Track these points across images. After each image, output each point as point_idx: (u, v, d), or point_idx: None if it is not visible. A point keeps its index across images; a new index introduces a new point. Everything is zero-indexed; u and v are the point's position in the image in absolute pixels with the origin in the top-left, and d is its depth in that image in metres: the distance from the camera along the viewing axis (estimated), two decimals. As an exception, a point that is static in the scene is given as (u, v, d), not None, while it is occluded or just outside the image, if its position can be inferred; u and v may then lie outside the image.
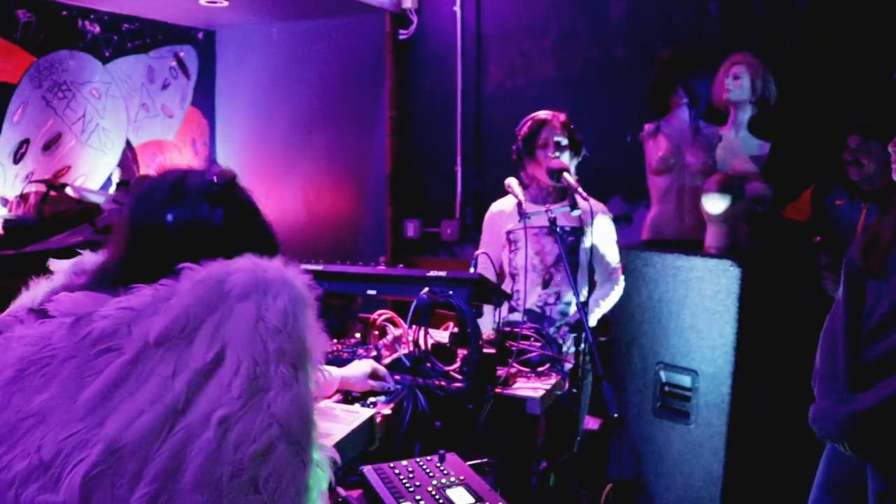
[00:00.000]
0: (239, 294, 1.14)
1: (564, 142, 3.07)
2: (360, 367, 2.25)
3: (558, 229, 2.75)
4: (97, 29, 4.95)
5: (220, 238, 1.30)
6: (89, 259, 1.41)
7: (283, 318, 1.14)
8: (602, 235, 3.12)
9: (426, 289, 2.37)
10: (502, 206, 3.24)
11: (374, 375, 2.25)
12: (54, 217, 4.14)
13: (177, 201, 1.30)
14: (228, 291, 1.14)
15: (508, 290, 3.04)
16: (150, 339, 1.09)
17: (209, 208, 1.31)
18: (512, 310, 3.10)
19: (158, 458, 1.02)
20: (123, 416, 1.05)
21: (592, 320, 3.13)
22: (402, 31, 5.10)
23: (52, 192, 4.27)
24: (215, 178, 1.35)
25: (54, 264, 1.43)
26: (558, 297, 3.09)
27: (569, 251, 3.00)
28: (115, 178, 5.10)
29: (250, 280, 1.16)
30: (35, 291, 1.35)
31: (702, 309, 3.20)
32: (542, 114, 3.12)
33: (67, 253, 1.46)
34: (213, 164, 1.42)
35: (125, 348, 1.09)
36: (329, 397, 2.19)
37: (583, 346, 2.49)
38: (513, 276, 3.15)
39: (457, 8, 4.90)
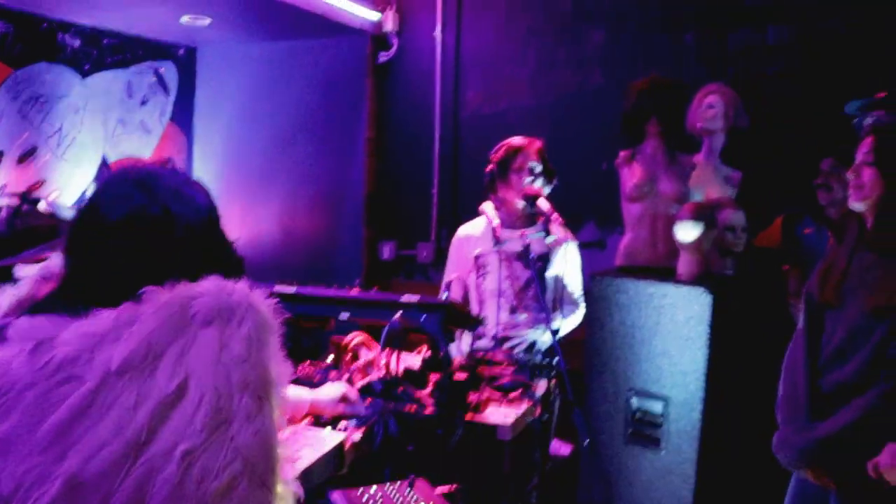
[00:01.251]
0: (203, 320, 1.12)
1: (539, 168, 3.09)
2: (331, 391, 2.25)
3: (532, 255, 2.77)
4: (77, 43, 4.93)
5: (178, 244, 1.26)
6: (56, 263, 1.38)
7: (247, 345, 1.12)
8: (569, 262, 3.14)
9: (399, 313, 2.37)
10: (470, 231, 3.24)
11: (345, 399, 2.25)
12: (26, 231, 4.09)
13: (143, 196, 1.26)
14: (192, 316, 1.12)
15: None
16: (112, 367, 1.07)
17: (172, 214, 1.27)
18: (478, 337, 3.10)
19: (121, 493, 1.00)
20: (85, 449, 1.02)
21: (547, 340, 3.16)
22: (382, 54, 5.13)
23: (25, 206, 4.23)
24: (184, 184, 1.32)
25: (21, 270, 1.41)
26: (525, 322, 3.10)
27: (539, 276, 3.01)
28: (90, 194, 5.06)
29: (214, 305, 1.14)
30: (0, 300, 1.32)
31: (674, 335, 3.22)
32: (518, 140, 3.14)
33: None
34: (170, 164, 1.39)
35: (87, 377, 1.07)
36: (299, 420, 2.18)
37: (554, 372, 2.51)
38: (480, 301, 3.16)
39: (437, 33, 4.94)
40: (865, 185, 2.15)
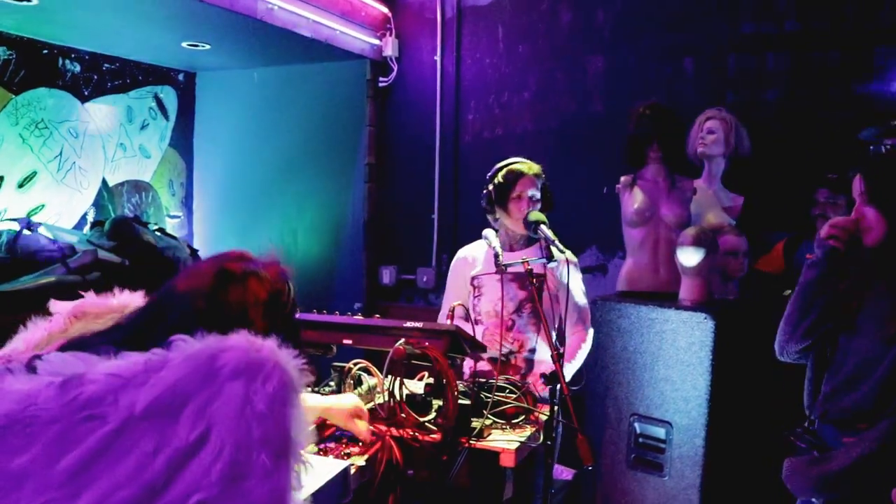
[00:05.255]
0: (230, 373, 1.12)
1: (537, 196, 3.07)
2: (344, 402, 2.23)
3: (535, 280, 2.75)
4: (77, 68, 4.95)
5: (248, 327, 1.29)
6: (90, 302, 1.39)
7: (271, 403, 1.12)
8: (571, 281, 3.06)
9: (402, 340, 2.36)
10: (467, 253, 3.23)
11: (356, 415, 2.23)
12: (26, 256, 4.08)
13: (222, 288, 1.33)
14: (220, 369, 1.12)
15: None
16: (136, 410, 1.07)
17: (251, 302, 1.34)
18: (477, 359, 3.07)
19: None
20: (100, 489, 1.02)
21: (567, 373, 3.12)
22: (381, 79, 5.15)
23: (26, 231, 4.22)
24: (268, 276, 1.40)
25: (55, 306, 1.41)
26: (522, 344, 3.08)
27: (536, 297, 2.94)
28: (90, 218, 5.06)
29: (243, 359, 1.14)
30: (31, 334, 1.32)
31: (676, 361, 3.21)
32: (518, 165, 3.11)
33: (41, 293, 1.45)
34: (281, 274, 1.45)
35: (110, 417, 1.07)
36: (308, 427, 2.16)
37: (556, 397, 2.48)
38: (476, 323, 3.14)
39: (437, 57, 4.96)
40: (874, 228, 2.17)
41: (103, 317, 1.41)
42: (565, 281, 2.94)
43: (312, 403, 2.17)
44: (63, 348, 1.24)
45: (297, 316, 2.60)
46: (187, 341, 1.16)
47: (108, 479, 1.03)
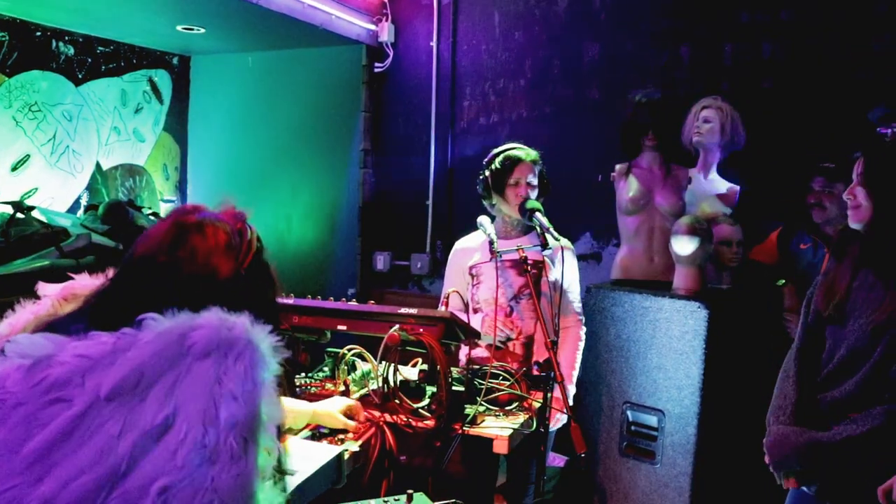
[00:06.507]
0: (200, 351, 1.10)
1: (535, 182, 3.07)
2: (332, 404, 2.24)
3: (530, 268, 2.75)
4: (71, 50, 4.92)
5: (222, 293, 1.26)
6: (80, 284, 1.37)
7: (240, 383, 1.10)
8: (567, 269, 3.07)
9: (396, 326, 2.37)
10: (465, 244, 3.22)
11: (346, 413, 2.24)
12: (20, 240, 4.07)
13: (195, 244, 1.29)
14: (190, 347, 1.10)
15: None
16: (101, 392, 1.05)
17: (223, 259, 1.30)
18: (473, 345, 3.07)
19: None
20: (63, 473, 1.00)
21: (571, 381, 3.14)
22: (377, 64, 5.13)
23: (19, 214, 4.21)
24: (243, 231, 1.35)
25: (43, 289, 1.39)
26: (520, 331, 3.08)
27: (533, 283, 2.95)
28: (84, 202, 5.04)
29: (213, 337, 1.12)
30: (17, 318, 1.31)
31: (669, 349, 3.22)
32: (516, 151, 3.10)
33: (34, 277, 1.43)
34: (237, 216, 1.39)
35: (76, 400, 1.05)
36: (299, 432, 2.17)
37: (550, 384, 2.49)
38: (475, 311, 3.14)
39: (433, 43, 4.95)
40: (862, 207, 2.17)
41: None
42: (560, 268, 2.95)
43: (301, 409, 2.17)
44: (36, 330, 1.22)
45: (293, 300, 2.62)
46: (157, 320, 1.13)
47: (71, 463, 1.01)
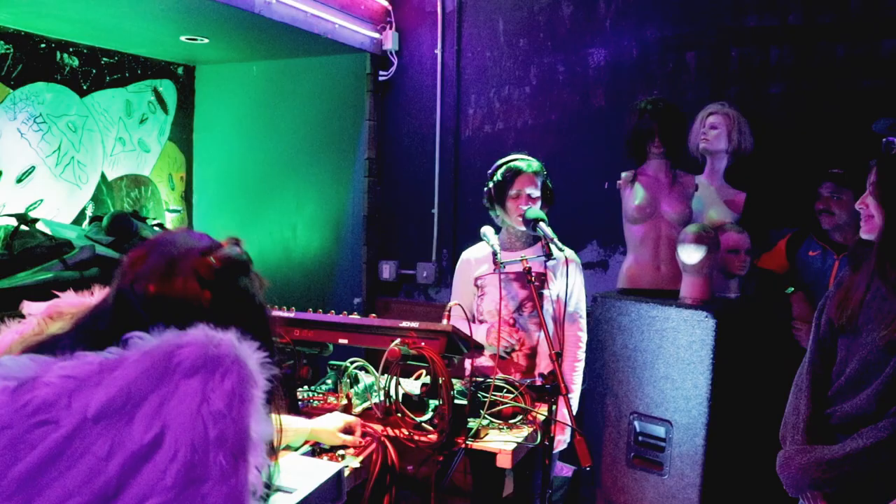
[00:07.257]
0: (186, 370, 1.09)
1: (536, 193, 3.05)
2: (331, 421, 2.22)
3: (533, 279, 2.72)
4: (76, 62, 4.92)
5: (203, 318, 1.22)
6: (65, 302, 1.35)
7: (229, 400, 1.09)
8: (570, 282, 3.05)
9: (398, 340, 2.34)
10: (471, 255, 3.22)
11: (345, 430, 2.21)
12: (24, 252, 4.06)
13: (166, 276, 1.24)
14: (176, 365, 1.09)
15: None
16: (88, 413, 1.04)
17: (198, 288, 1.25)
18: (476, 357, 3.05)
19: None
20: (53, 496, 0.99)
21: (576, 389, 3.12)
22: (382, 73, 5.12)
23: (23, 227, 4.20)
24: (213, 260, 1.29)
25: (28, 307, 1.38)
26: (523, 342, 3.06)
27: (536, 295, 2.93)
28: (89, 213, 5.04)
29: (200, 355, 1.10)
30: (2, 337, 1.29)
31: (676, 359, 3.19)
32: (517, 162, 3.09)
33: (38, 290, 1.41)
34: (219, 243, 1.35)
35: (62, 422, 1.04)
36: (297, 449, 2.15)
37: (555, 395, 2.46)
38: (480, 322, 3.13)
39: (437, 51, 4.93)
40: (873, 218, 2.14)
41: None
42: (563, 280, 2.93)
43: (299, 427, 2.15)
44: (23, 351, 1.20)
45: (295, 314, 2.60)
46: (144, 338, 1.12)
47: (59, 486, 1.00)
